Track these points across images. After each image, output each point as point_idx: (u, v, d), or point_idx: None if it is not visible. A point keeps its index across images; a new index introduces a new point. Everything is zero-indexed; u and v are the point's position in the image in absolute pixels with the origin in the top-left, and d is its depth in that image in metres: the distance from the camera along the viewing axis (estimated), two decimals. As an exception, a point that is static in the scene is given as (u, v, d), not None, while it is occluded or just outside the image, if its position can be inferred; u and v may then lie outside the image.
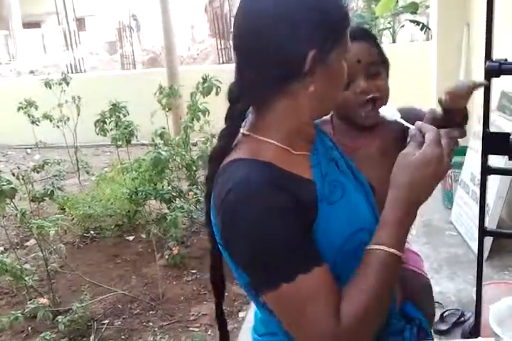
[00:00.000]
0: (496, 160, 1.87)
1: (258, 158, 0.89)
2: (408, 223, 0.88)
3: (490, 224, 2.88)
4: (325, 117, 1.22)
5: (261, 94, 0.91)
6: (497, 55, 1.12)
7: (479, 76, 4.03)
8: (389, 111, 1.03)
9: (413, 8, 8.51)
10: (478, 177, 3.38)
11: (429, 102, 4.62)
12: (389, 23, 9.28)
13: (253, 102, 0.94)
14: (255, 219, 0.82)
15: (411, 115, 1.07)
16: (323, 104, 0.94)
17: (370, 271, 0.84)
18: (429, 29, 7.67)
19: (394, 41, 9.01)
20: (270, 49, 0.87)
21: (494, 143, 1.12)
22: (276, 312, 0.87)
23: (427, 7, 8.71)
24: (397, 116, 1.01)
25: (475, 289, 2.32)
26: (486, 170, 1.16)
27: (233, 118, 0.95)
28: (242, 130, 0.95)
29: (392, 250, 0.84)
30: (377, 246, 0.85)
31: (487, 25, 1.07)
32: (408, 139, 0.90)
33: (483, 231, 1.20)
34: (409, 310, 1.16)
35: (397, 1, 8.67)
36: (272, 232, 0.82)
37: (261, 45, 0.88)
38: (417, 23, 8.39)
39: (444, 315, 2.57)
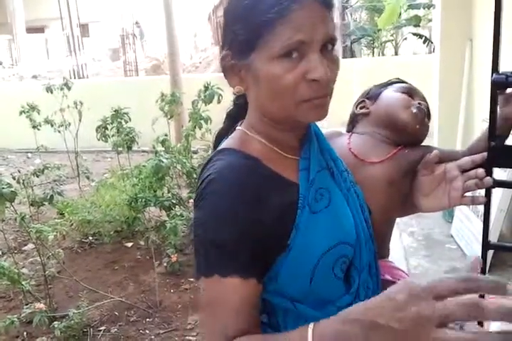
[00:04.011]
0: (497, 174, 1.86)
1: (245, 151, 0.89)
2: (346, 337, 0.68)
3: (491, 237, 2.87)
4: (341, 131, 1.28)
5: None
6: (501, 68, 1.13)
7: (482, 89, 4.00)
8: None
9: (416, 21, 8.58)
10: (479, 190, 3.37)
11: (431, 116, 4.61)
12: (392, 35, 9.35)
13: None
14: (217, 211, 0.82)
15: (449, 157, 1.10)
16: (265, 107, 0.89)
17: (282, 337, 0.77)
18: (432, 42, 7.72)
19: (396, 53, 9.06)
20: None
21: (499, 155, 1.12)
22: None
23: (430, 20, 8.78)
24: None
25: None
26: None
27: (229, 118, 1.01)
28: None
29: (310, 334, 0.71)
30: (310, 326, 0.72)
31: (494, 37, 1.07)
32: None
33: (486, 245, 1.20)
34: None
35: (400, 14, 8.74)
36: (222, 231, 0.81)
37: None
38: (420, 36, 8.46)
39: (443, 328, 2.55)
